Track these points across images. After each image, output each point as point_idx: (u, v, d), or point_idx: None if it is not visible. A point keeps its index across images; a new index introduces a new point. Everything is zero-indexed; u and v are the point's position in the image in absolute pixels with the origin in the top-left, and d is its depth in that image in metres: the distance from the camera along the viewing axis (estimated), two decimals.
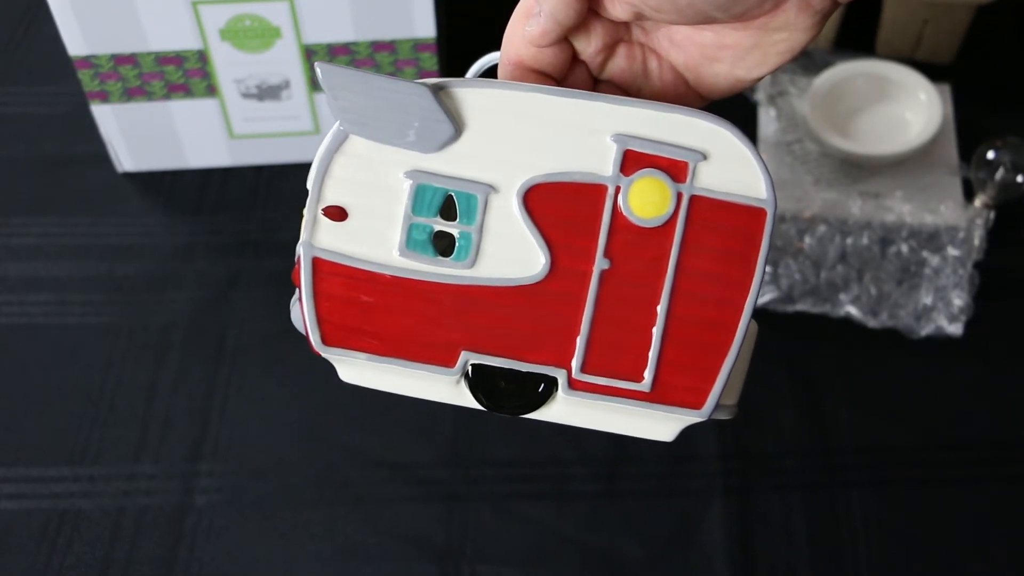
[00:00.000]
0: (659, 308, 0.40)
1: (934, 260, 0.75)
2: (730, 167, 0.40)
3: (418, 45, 0.76)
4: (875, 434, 0.69)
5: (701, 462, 0.68)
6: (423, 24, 0.75)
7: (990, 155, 0.77)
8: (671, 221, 0.40)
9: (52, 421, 0.71)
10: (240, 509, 0.67)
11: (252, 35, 0.75)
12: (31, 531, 0.66)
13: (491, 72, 0.43)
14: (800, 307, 0.73)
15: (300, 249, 0.40)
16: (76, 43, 0.75)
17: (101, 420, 0.71)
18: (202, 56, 0.76)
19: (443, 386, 0.41)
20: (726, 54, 0.41)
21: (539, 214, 0.40)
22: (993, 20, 0.90)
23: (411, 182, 0.39)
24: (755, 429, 0.69)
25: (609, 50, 0.43)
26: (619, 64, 0.43)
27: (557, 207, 0.40)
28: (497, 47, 0.44)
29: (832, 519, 0.65)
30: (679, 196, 0.40)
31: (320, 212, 0.39)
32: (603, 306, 0.40)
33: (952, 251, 0.75)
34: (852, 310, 0.73)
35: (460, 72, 0.72)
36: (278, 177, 0.84)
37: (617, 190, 0.40)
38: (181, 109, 0.80)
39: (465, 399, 0.41)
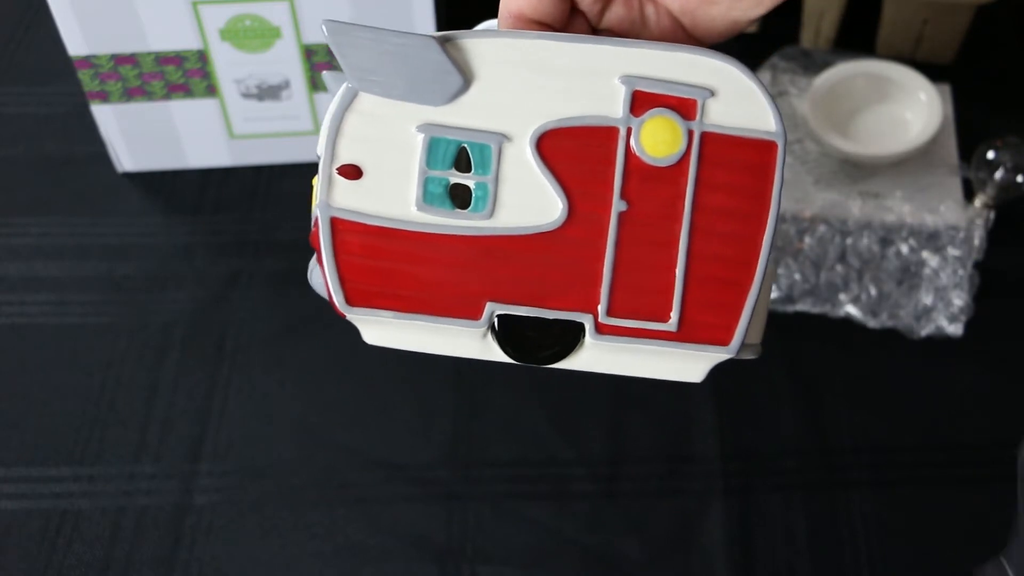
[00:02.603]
0: (679, 247, 0.41)
1: (934, 260, 0.75)
2: (738, 102, 0.41)
3: None
4: (875, 434, 0.69)
5: (701, 462, 0.68)
6: (423, 24, 0.75)
7: (990, 155, 0.77)
8: (684, 159, 0.40)
9: (52, 421, 0.71)
10: (240, 509, 0.67)
11: (252, 35, 0.75)
12: (31, 531, 0.66)
13: None
14: (800, 307, 0.74)
15: (317, 210, 0.39)
16: (76, 43, 0.75)
17: (101, 420, 0.71)
18: (202, 56, 0.76)
19: (470, 340, 0.41)
20: None
21: (553, 160, 0.40)
22: (993, 20, 0.90)
23: (424, 136, 0.39)
24: (755, 429, 0.69)
25: (608, 5, 0.43)
26: (617, 12, 0.43)
27: (571, 152, 0.40)
28: None
29: (832, 519, 0.65)
30: (690, 134, 0.40)
31: (335, 171, 0.39)
32: (624, 248, 0.40)
33: (952, 251, 0.75)
34: (852, 310, 0.73)
35: None
36: (278, 177, 0.84)
37: (629, 131, 0.40)
38: (181, 109, 0.80)
39: (493, 353, 0.41)
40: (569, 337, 0.41)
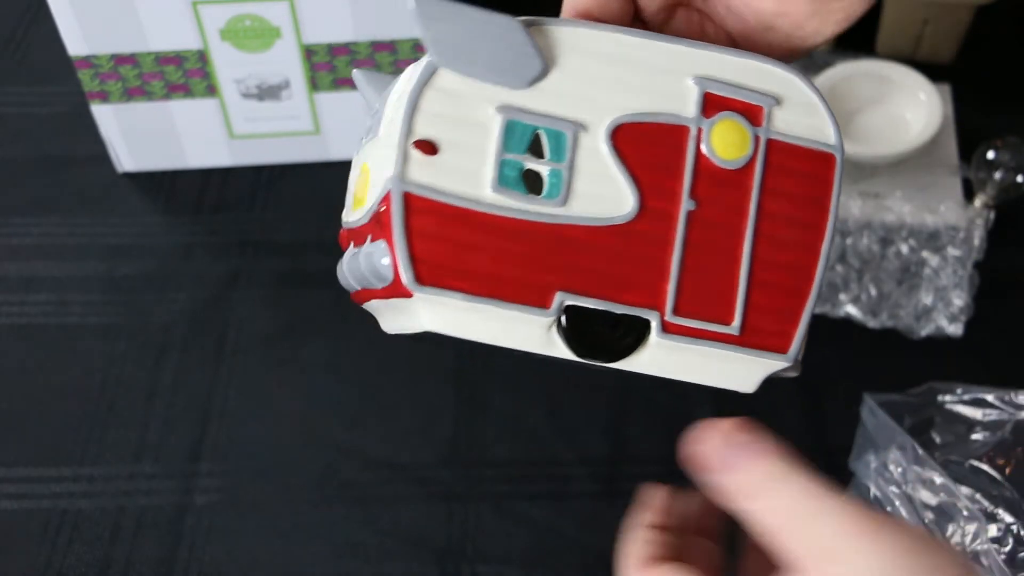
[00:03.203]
0: (743, 250, 0.41)
1: (934, 260, 0.75)
2: (801, 113, 0.41)
3: (418, 45, 0.76)
4: None
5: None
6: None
7: (990, 155, 0.77)
8: (750, 164, 0.41)
9: (52, 421, 0.71)
10: (240, 509, 0.67)
11: (252, 35, 0.75)
12: (31, 531, 0.66)
13: None
14: None
15: (388, 184, 0.38)
16: (76, 43, 0.75)
17: (101, 420, 0.71)
18: (202, 56, 0.76)
19: (534, 331, 0.39)
20: (784, 22, 0.41)
21: (626, 153, 0.39)
22: (993, 20, 0.89)
23: (502, 117, 0.38)
24: None
25: (669, 11, 0.43)
26: (677, 27, 0.44)
27: (643, 147, 0.39)
28: None
29: None
30: (756, 139, 0.40)
31: (410, 146, 0.38)
32: (691, 247, 0.40)
33: (952, 251, 0.75)
34: (852, 310, 0.73)
35: None
36: (278, 177, 0.84)
37: (699, 132, 0.40)
38: (181, 109, 0.80)
39: (555, 348, 0.39)
40: (630, 338, 0.40)
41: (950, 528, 0.58)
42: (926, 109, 0.81)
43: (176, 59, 0.76)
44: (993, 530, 0.58)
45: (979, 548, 0.57)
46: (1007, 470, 0.60)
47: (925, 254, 0.75)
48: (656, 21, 0.43)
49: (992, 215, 0.76)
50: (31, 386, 0.72)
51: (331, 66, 0.77)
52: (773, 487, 0.35)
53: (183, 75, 0.78)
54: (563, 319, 0.39)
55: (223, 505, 0.67)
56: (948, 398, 0.65)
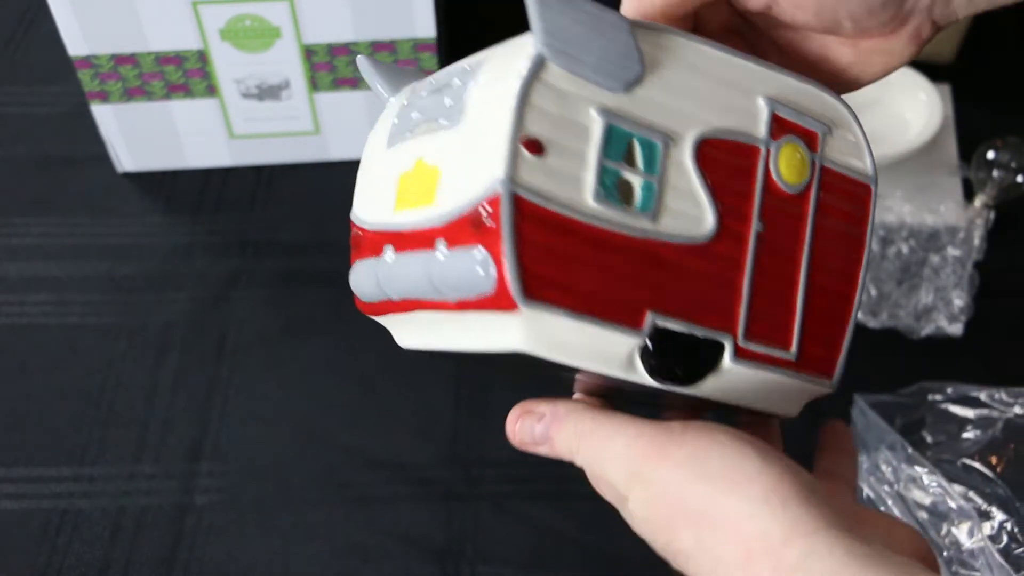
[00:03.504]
0: (800, 276, 0.40)
1: (934, 260, 0.75)
2: (847, 141, 0.41)
3: (418, 45, 0.76)
4: None
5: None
6: (423, 24, 0.75)
7: (990, 155, 0.77)
8: (808, 189, 0.40)
9: (52, 421, 0.71)
10: (240, 509, 0.67)
11: (252, 35, 0.75)
12: (31, 531, 0.66)
13: None
14: None
15: (497, 186, 0.34)
16: (76, 43, 0.75)
17: (101, 420, 0.71)
18: (202, 56, 0.76)
19: (621, 353, 0.37)
20: (826, 67, 0.42)
21: (708, 170, 0.38)
22: (993, 20, 0.90)
23: (603, 121, 0.36)
24: None
25: (722, 39, 0.42)
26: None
27: (721, 165, 0.38)
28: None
29: None
30: (814, 164, 0.40)
31: (521, 144, 0.34)
32: (758, 271, 0.39)
33: (952, 251, 0.75)
34: None
35: None
36: (278, 177, 0.84)
37: (768, 153, 0.39)
38: (181, 109, 0.80)
39: (636, 372, 0.37)
40: (705, 363, 0.39)
41: (944, 527, 0.58)
42: (926, 109, 0.81)
43: (176, 59, 0.76)
44: (987, 528, 0.58)
45: (974, 546, 0.57)
46: (999, 468, 0.60)
47: (925, 254, 0.75)
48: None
49: (992, 215, 0.76)
50: (31, 386, 0.72)
51: (331, 66, 0.77)
52: (580, 442, 0.38)
53: (183, 75, 0.78)
54: (648, 341, 0.37)
55: (223, 505, 0.67)
56: (939, 397, 0.65)
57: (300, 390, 0.72)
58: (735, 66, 0.39)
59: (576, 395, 0.44)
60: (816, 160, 0.40)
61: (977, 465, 0.61)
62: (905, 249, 0.75)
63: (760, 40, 0.43)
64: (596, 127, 0.36)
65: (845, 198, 0.41)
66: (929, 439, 0.64)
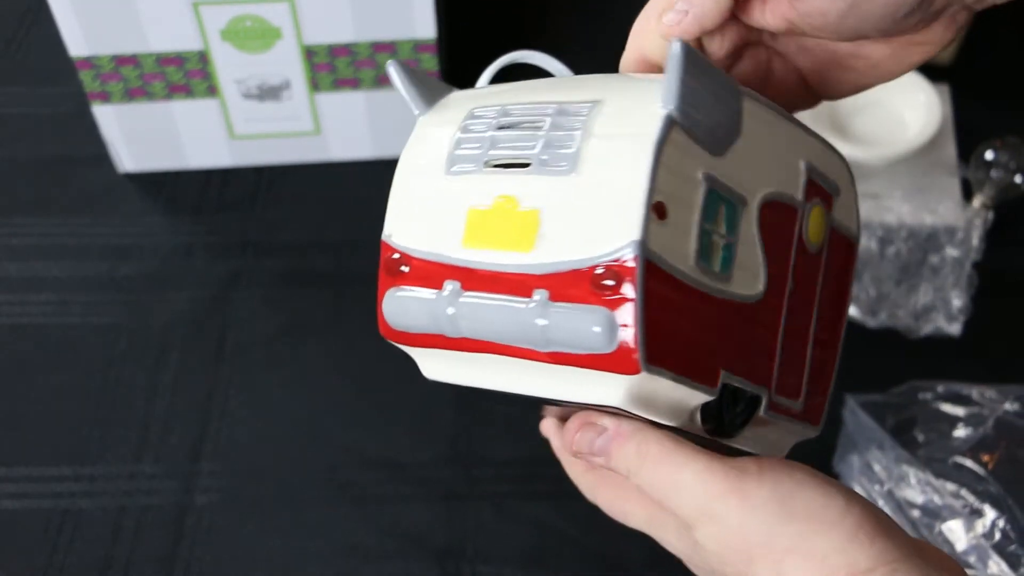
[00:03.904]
0: (811, 331, 0.41)
1: (933, 260, 0.75)
2: (847, 203, 0.42)
3: (418, 45, 0.76)
4: None
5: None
6: (423, 24, 0.75)
7: (989, 155, 0.78)
8: (822, 248, 0.41)
9: (53, 421, 0.71)
10: (240, 509, 0.67)
11: (253, 36, 0.75)
12: (32, 530, 0.66)
13: (509, 73, 0.42)
14: None
15: (632, 250, 0.33)
16: (77, 44, 0.75)
17: (102, 420, 0.71)
18: (203, 57, 0.76)
19: (692, 408, 0.37)
20: (859, 64, 0.41)
21: (764, 231, 0.38)
22: (993, 20, 0.90)
23: (706, 185, 0.35)
24: None
25: (738, 53, 0.42)
26: (745, 67, 0.43)
27: (773, 226, 0.38)
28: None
29: None
30: (828, 225, 0.41)
31: (652, 206, 0.33)
32: (787, 327, 0.40)
33: (951, 251, 0.75)
34: (852, 310, 0.73)
35: (460, 73, 0.73)
36: (278, 177, 0.84)
37: (802, 215, 0.40)
38: (182, 109, 0.80)
39: (694, 424, 0.37)
40: (745, 416, 0.39)
41: (936, 525, 0.58)
42: (925, 110, 0.81)
43: (177, 60, 0.76)
44: (980, 527, 0.58)
45: (967, 544, 0.57)
46: (990, 465, 0.61)
47: (924, 254, 0.75)
48: (722, 65, 0.42)
49: (991, 215, 0.76)
50: (32, 386, 0.73)
51: (331, 67, 0.78)
52: (642, 463, 0.38)
53: (184, 76, 0.78)
54: (716, 398, 0.37)
55: (223, 505, 0.67)
56: (929, 396, 0.65)
57: (300, 390, 0.72)
58: (782, 128, 0.39)
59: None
60: (830, 221, 0.41)
61: (968, 463, 0.61)
62: (904, 249, 0.75)
63: (786, 46, 0.42)
64: (700, 191, 0.35)
65: (841, 255, 0.43)
66: (920, 438, 0.64)
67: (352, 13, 0.74)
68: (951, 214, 0.77)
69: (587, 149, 0.35)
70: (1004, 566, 0.56)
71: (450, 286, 0.37)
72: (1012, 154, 0.77)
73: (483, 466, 0.68)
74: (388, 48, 0.76)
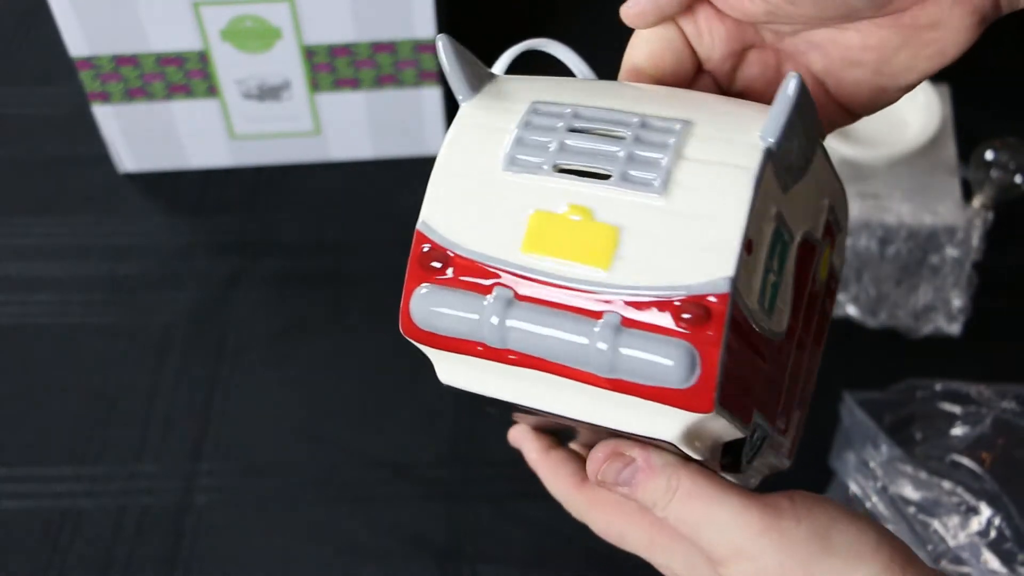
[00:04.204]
0: (803, 367, 0.41)
1: (933, 260, 0.75)
2: (843, 238, 0.43)
3: (418, 45, 0.76)
4: None
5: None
6: (423, 24, 0.75)
7: (989, 156, 0.78)
8: (822, 286, 0.41)
9: (53, 421, 0.71)
10: (240, 509, 0.67)
11: (253, 36, 0.75)
12: (33, 530, 0.66)
13: (524, 61, 0.41)
14: None
15: (724, 286, 0.32)
16: (77, 44, 0.75)
17: (102, 420, 0.71)
18: (203, 57, 0.76)
19: (723, 440, 0.36)
20: (869, 57, 0.38)
21: (798, 268, 0.37)
22: (993, 20, 0.90)
23: (775, 223, 0.34)
24: None
25: (738, 56, 0.40)
26: (751, 72, 0.40)
27: (801, 264, 0.37)
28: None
29: None
30: (831, 263, 0.42)
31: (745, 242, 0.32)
32: (793, 364, 0.39)
33: (951, 251, 0.75)
34: (851, 310, 0.73)
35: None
36: (279, 177, 0.84)
37: (819, 253, 0.39)
38: (182, 109, 0.80)
39: (714, 460, 0.37)
40: (755, 452, 0.39)
41: (933, 523, 0.59)
42: (925, 110, 0.81)
43: (177, 60, 0.77)
44: (975, 524, 0.58)
45: (963, 542, 0.57)
46: (987, 464, 0.61)
47: (924, 254, 0.75)
48: (724, 71, 0.40)
49: (991, 216, 0.76)
50: (32, 386, 0.73)
51: (331, 67, 0.78)
52: (672, 498, 0.37)
53: (184, 76, 0.78)
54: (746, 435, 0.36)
55: (223, 505, 0.67)
56: (927, 394, 0.65)
57: (300, 390, 0.72)
58: (822, 164, 0.38)
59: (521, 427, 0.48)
60: (831, 259, 0.41)
61: (965, 461, 0.61)
62: (904, 249, 0.75)
63: (795, 45, 0.40)
64: (771, 228, 0.34)
65: (832, 291, 0.43)
66: (918, 436, 0.64)
67: (352, 13, 0.74)
68: (951, 214, 0.77)
69: (679, 171, 0.33)
70: (998, 563, 0.56)
71: (500, 292, 0.34)
72: (1012, 154, 0.77)
73: (483, 466, 0.68)
74: (388, 48, 0.76)
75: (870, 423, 0.63)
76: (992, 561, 0.57)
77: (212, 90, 0.79)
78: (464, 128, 0.37)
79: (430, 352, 0.37)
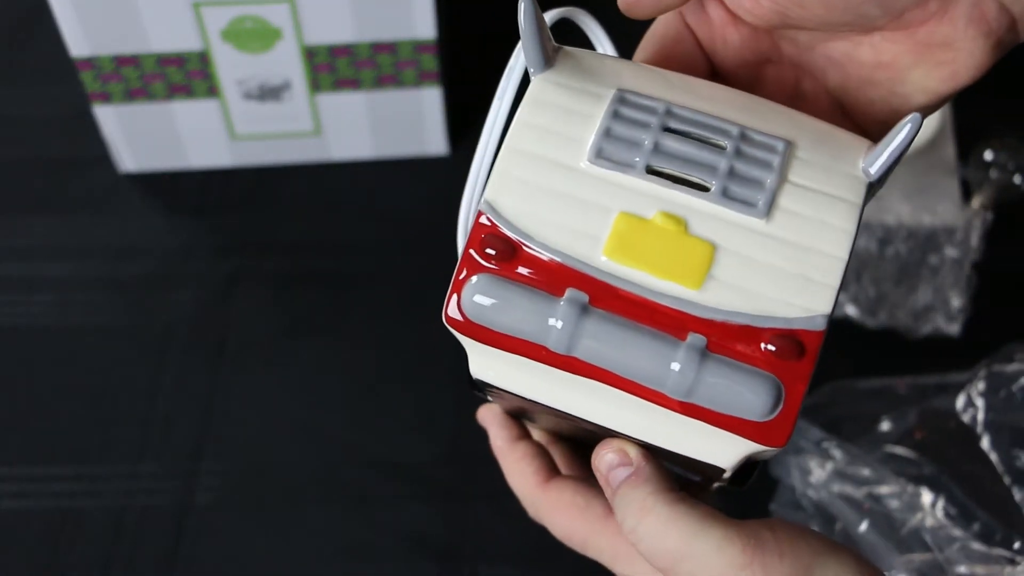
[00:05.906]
0: None
1: (932, 260, 0.75)
2: None
3: (418, 46, 0.76)
4: None
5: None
6: (423, 24, 0.75)
7: (988, 156, 0.78)
8: None
9: (54, 421, 0.71)
10: (241, 508, 0.67)
11: (253, 36, 0.75)
12: (34, 530, 0.66)
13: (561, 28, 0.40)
14: None
15: (821, 324, 0.31)
16: (78, 44, 0.75)
17: (103, 420, 0.71)
18: (203, 57, 0.77)
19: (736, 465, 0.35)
20: (884, 76, 0.38)
21: None
22: (1011, 47, 0.90)
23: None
24: None
25: (752, 68, 0.40)
26: (769, 87, 0.40)
27: None
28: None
29: None
30: None
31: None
32: None
33: (950, 252, 0.75)
34: (851, 310, 0.73)
35: (461, 73, 0.73)
36: (279, 178, 0.84)
37: None
38: (183, 110, 0.80)
39: (727, 476, 0.36)
40: (758, 468, 0.38)
41: (879, 515, 0.59)
42: None
43: (178, 60, 0.77)
44: (924, 508, 0.59)
45: (912, 526, 0.58)
46: (920, 437, 0.62)
47: (923, 255, 0.75)
48: (738, 78, 0.40)
49: (990, 216, 0.76)
50: (33, 386, 0.73)
51: (332, 67, 0.78)
52: (641, 520, 0.35)
53: (185, 76, 0.78)
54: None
55: (223, 505, 0.67)
56: (851, 394, 0.66)
57: (300, 390, 0.72)
58: None
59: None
60: None
61: (899, 451, 0.62)
62: (903, 249, 0.75)
63: (813, 60, 0.39)
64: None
65: None
66: (850, 434, 0.65)
67: (352, 13, 0.74)
68: (950, 214, 0.77)
69: (783, 196, 0.32)
70: (954, 548, 0.57)
71: (575, 296, 0.32)
72: (1011, 154, 0.77)
73: (483, 466, 0.68)
74: (388, 48, 0.77)
75: (806, 426, 0.64)
76: (945, 542, 0.57)
77: (213, 90, 0.79)
78: (539, 106, 0.34)
79: (470, 345, 0.34)
